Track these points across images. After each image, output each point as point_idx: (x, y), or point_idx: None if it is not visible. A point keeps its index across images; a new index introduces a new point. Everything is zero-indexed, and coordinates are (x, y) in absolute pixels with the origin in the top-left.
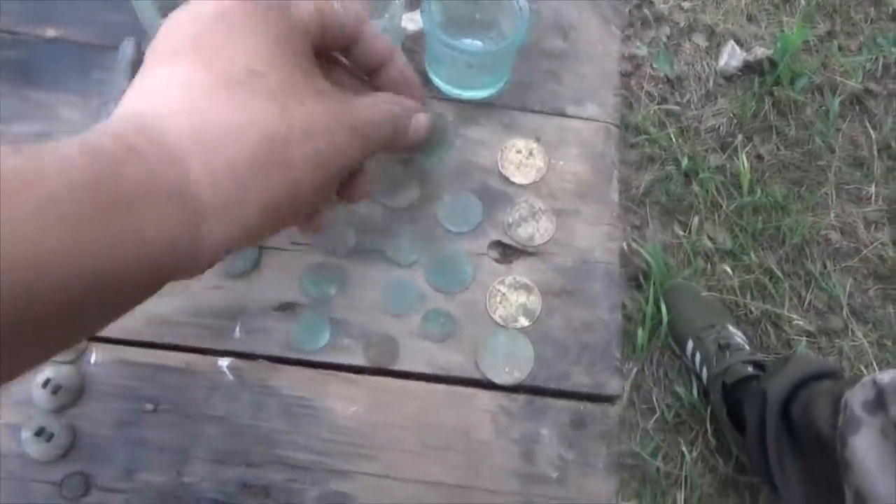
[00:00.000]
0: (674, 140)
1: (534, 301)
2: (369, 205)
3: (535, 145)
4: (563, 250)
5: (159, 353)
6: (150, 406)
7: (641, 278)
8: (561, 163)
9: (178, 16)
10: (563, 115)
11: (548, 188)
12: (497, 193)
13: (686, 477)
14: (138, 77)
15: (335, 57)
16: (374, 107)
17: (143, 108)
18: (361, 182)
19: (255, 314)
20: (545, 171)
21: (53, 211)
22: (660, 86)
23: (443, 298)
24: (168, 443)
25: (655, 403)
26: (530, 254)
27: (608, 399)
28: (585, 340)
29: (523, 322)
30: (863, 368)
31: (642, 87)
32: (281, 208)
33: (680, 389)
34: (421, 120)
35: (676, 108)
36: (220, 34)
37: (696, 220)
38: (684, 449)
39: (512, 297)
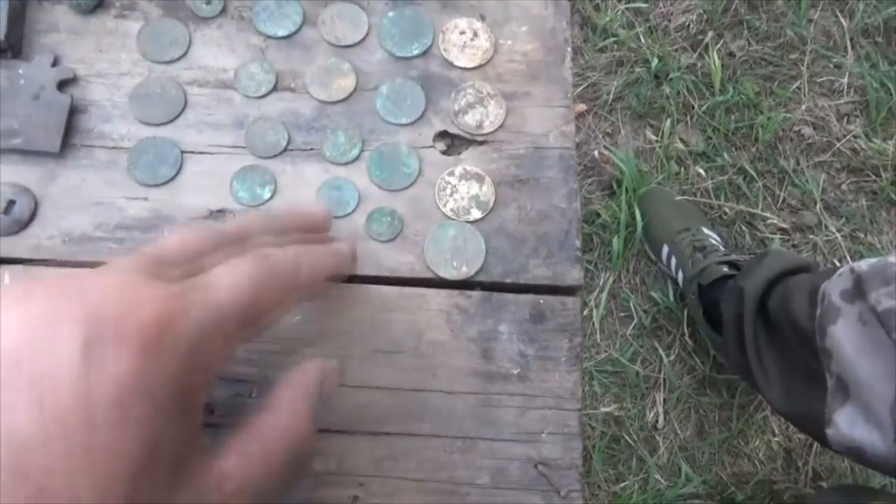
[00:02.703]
0: (643, 41)
1: (486, 192)
2: (300, 99)
3: (479, 25)
4: (515, 137)
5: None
6: None
7: (615, 186)
8: (508, 42)
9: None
10: None
11: (495, 71)
12: (440, 79)
13: (665, 379)
14: None
15: None
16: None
17: None
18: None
19: (182, 224)
20: (492, 53)
21: None
22: None
23: (388, 196)
24: None
25: (633, 310)
26: (479, 143)
27: (569, 290)
28: (543, 231)
29: (476, 214)
30: (836, 262)
31: None
32: None
33: (656, 295)
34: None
35: (645, 6)
36: (61, 456)
37: (667, 123)
38: (662, 352)
39: (463, 189)
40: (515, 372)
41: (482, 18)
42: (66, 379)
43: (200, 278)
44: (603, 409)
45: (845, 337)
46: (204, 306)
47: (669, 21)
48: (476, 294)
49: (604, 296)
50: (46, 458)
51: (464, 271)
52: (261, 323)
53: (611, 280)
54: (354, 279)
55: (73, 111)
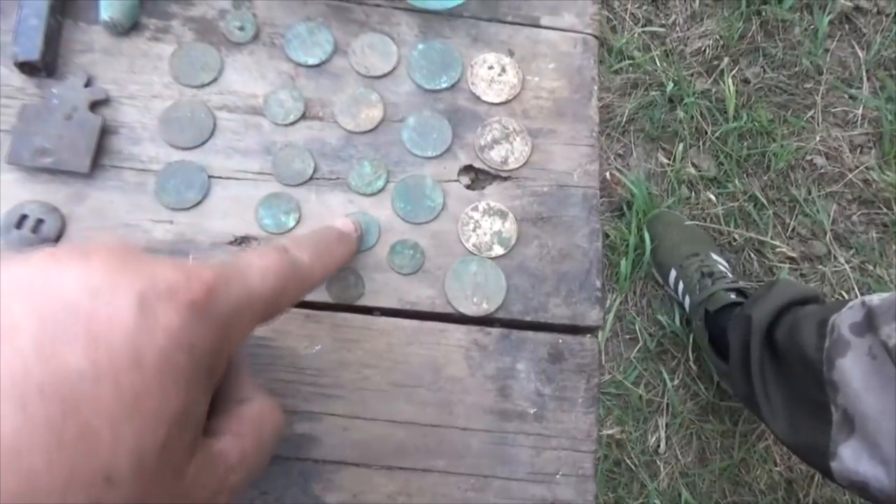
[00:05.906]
0: (658, 64)
1: (509, 228)
2: (327, 127)
3: (507, 60)
4: (540, 174)
5: None
6: None
7: (625, 208)
8: (536, 79)
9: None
10: (536, 25)
11: (522, 107)
12: (467, 113)
13: (668, 403)
14: None
15: None
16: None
17: None
18: None
19: (206, 249)
20: (519, 89)
21: None
22: (644, 7)
23: (411, 229)
24: None
25: (638, 333)
26: (504, 178)
27: (588, 330)
28: (564, 270)
29: (498, 251)
30: (844, 294)
31: (626, 9)
32: None
33: (662, 318)
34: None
35: (661, 30)
36: (109, 394)
37: (680, 147)
38: (666, 376)
39: (486, 224)
40: (532, 411)
41: (511, 54)
42: (120, 325)
43: (236, 262)
44: (605, 432)
45: (853, 370)
46: (240, 285)
47: (686, 45)
48: (495, 331)
49: (610, 318)
50: (96, 396)
51: (484, 308)
52: (277, 313)
53: (617, 302)
54: (374, 311)
55: (104, 132)
